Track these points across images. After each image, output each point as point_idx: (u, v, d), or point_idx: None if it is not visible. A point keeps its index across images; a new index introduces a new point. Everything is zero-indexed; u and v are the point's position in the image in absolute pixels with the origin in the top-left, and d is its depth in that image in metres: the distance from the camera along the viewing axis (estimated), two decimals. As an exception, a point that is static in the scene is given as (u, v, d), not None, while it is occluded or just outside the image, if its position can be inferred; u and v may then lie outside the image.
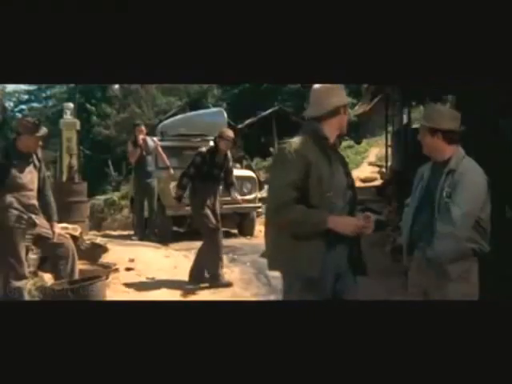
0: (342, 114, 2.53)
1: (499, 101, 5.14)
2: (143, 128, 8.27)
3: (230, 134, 5.63)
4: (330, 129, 2.52)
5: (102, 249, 6.08)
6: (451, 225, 2.57)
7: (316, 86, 2.56)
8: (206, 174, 5.52)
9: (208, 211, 5.54)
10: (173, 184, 8.10)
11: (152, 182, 8.01)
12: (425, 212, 2.74)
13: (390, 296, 2.92)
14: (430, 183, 2.78)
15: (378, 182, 12.77)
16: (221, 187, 5.89)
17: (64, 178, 8.90)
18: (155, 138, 8.28)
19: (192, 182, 5.56)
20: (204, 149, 5.71)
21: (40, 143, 4.14)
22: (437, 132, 2.72)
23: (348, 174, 2.57)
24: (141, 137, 8.00)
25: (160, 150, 8.16)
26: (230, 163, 5.88)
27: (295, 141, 2.46)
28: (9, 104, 32.03)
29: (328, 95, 2.50)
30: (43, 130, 4.10)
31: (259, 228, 9.19)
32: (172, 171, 8.04)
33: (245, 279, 5.87)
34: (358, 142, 17.62)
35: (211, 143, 8.75)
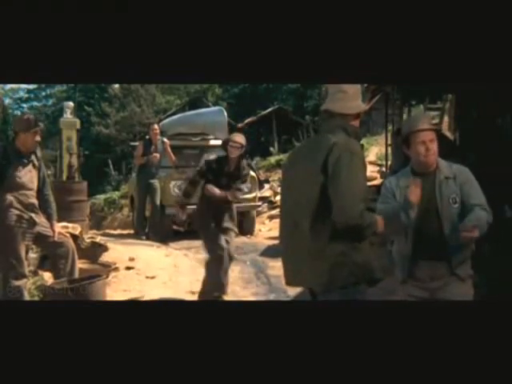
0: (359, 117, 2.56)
1: (499, 100, 5.14)
2: (157, 127, 8.21)
3: (239, 139, 4.88)
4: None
5: (102, 248, 6.06)
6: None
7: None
8: (213, 184, 4.92)
9: (212, 230, 4.92)
10: (173, 183, 8.13)
11: (156, 182, 7.98)
12: (430, 222, 2.69)
13: (388, 296, 2.93)
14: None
15: (378, 182, 12.75)
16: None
17: (64, 177, 8.88)
18: (165, 139, 8.24)
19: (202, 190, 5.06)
20: (212, 157, 5.23)
21: (37, 139, 4.10)
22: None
23: None
24: (157, 137, 7.99)
25: (169, 149, 8.04)
26: (245, 172, 5.10)
27: (352, 142, 2.40)
28: (9, 103, 32.07)
29: (358, 97, 2.51)
30: (38, 126, 4.10)
31: (259, 227, 9.21)
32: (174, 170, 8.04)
33: (245, 278, 5.89)
34: None
35: (211, 142, 8.87)
